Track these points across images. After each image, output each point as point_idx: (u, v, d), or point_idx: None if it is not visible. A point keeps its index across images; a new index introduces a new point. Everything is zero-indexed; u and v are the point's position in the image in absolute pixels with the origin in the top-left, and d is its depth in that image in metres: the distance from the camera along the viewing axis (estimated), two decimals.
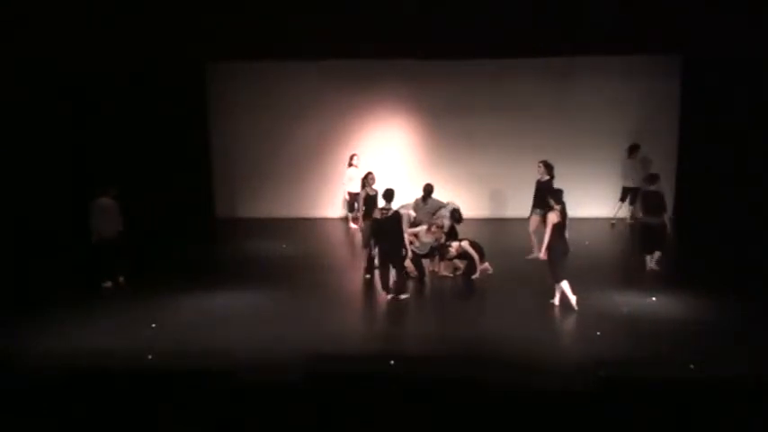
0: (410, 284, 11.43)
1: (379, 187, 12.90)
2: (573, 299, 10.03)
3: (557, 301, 10.21)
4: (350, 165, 14.89)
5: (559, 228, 10.13)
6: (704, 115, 14.33)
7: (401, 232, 10.94)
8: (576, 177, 14.76)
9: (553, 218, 10.13)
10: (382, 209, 10.91)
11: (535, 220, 12.31)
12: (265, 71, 15.53)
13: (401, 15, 12.69)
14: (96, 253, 11.10)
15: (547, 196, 11.86)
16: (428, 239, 11.40)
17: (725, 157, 13.90)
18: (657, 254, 11.74)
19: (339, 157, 15.86)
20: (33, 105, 12.37)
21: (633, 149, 14.86)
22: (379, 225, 10.86)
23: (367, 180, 12.61)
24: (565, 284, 10.08)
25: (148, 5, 12.37)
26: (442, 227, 11.50)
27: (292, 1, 12.73)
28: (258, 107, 15.85)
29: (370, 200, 12.32)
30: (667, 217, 11.81)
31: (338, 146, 15.99)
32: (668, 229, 11.87)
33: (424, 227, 11.45)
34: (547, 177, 12.24)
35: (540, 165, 12.38)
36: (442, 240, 11.47)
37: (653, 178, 11.92)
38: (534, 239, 12.29)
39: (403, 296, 10.74)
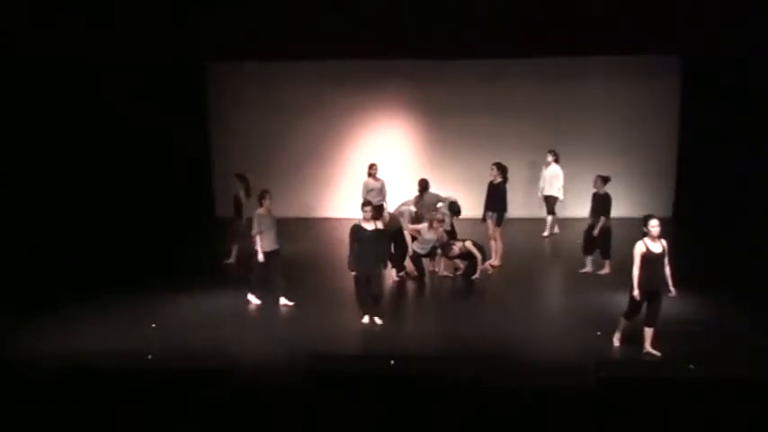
0: (410, 284, 11.49)
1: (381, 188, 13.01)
2: (616, 339, 8.96)
3: (617, 341, 8.98)
4: (369, 175, 13.29)
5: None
6: (704, 115, 14.31)
7: (389, 245, 10.73)
8: (575, 177, 14.76)
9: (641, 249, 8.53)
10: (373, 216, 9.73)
11: (490, 224, 12.06)
12: (265, 71, 15.52)
13: (401, 15, 12.68)
14: (257, 269, 10.46)
15: (498, 199, 11.77)
16: (430, 236, 11.33)
17: (725, 157, 13.89)
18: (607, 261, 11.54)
19: (339, 156, 15.86)
20: (32, 105, 12.35)
21: (556, 154, 14.15)
22: (365, 234, 9.63)
23: (238, 181, 12.48)
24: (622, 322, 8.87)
25: (149, 5, 12.37)
26: (442, 220, 11.41)
27: (293, 1, 12.73)
28: (258, 107, 15.84)
29: (239, 202, 12.38)
30: (603, 221, 11.40)
31: (338, 146, 16.01)
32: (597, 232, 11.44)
33: (426, 224, 11.41)
34: (500, 180, 11.99)
35: (494, 167, 12.01)
36: (444, 239, 11.42)
37: (606, 180, 11.60)
38: (492, 246, 12.13)
39: (378, 320, 9.79)
